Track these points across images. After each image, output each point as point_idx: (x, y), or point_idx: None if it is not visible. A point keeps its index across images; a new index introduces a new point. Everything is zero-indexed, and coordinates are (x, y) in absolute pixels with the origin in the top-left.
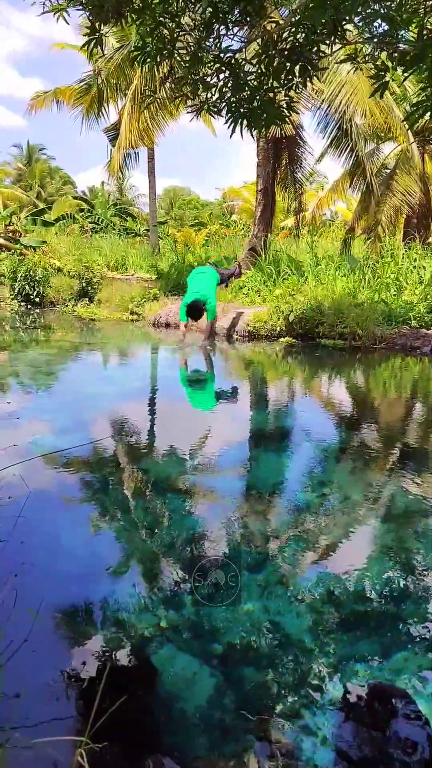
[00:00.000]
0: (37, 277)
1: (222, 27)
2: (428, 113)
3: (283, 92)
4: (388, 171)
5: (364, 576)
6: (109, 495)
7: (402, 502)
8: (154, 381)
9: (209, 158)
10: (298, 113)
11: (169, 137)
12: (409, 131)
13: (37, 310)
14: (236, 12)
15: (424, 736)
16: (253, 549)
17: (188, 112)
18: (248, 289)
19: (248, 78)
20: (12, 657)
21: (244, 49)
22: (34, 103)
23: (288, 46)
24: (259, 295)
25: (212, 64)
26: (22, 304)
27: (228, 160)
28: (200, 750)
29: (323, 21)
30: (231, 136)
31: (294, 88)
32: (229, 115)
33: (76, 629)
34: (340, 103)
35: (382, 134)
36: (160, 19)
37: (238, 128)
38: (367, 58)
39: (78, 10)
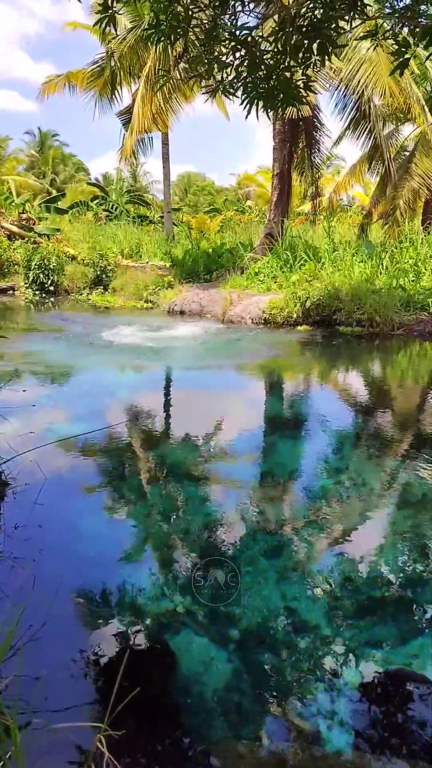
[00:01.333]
0: (51, 266)
1: (238, 3)
2: None
3: (300, 71)
4: (407, 154)
5: (380, 562)
6: (123, 480)
7: (419, 489)
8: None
9: (224, 144)
10: (316, 93)
11: (184, 122)
12: (427, 108)
13: (52, 299)
14: None
15: None
16: (270, 535)
17: (203, 93)
18: (264, 276)
19: (264, 56)
20: (31, 640)
21: (260, 27)
22: (46, 87)
23: (306, 23)
24: (275, 282)
25: (227, 42)
26: (37, 292)
27: (243, 146)
28: (218, 732)
29: None
30: (247, 118)
31: (312, 66)
32: (245, 95)
33: (93, 614)
34: (359, 82)
35: (402, 115)
36: None
37: (253, 109)
38: (387, 35)
39: None
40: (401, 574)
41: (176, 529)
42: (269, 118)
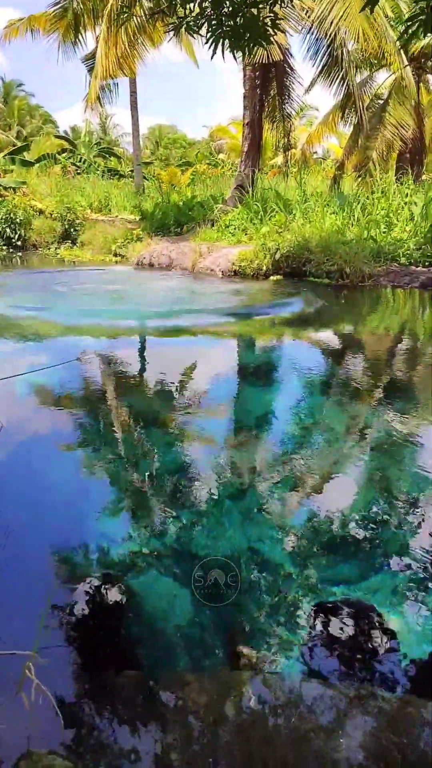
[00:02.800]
0: (18, 220)
1: None
2: (422, 30)
3: (267, 8)
4: (381, 102)
5: (345, 504)
6: (81, 419)
7: (382, 432)
8: None
9: (196, 96)
10: (284, 32)
11: (154, 74)
12: (402, 52)
13: (20, 254)
14: None
15: (391, 647)
16: (235, 474)
17: (167, 31)
18: (235, 228)
19: None
20: None
21: None
22: (8, 32)
23: None
24: (245, 234)
25: None
26: (4, 247)
27: (216, 98)
28: (180, 665)
29: None
30: (212, 58)
31: (279, 3)
32: (210, 33)
33: (51, 554)
34: (331, 24)
35: (375, 61)
36: None
37: (219, 50)
38: None
39: None
40: (363, 514)
41: (132, 460)
42: (235, 59)
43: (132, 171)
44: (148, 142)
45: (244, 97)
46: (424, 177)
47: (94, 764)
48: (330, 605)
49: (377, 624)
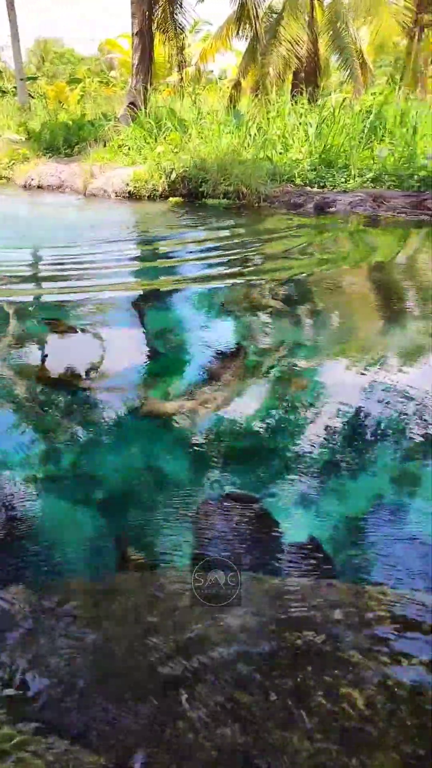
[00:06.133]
0: None
1: None
2: None
3: None
4: (276, 16)
5: (245, 418)
6: None
7: (276, 345)
8: None
9: (83, 11)
10: None
11: None
12: None
13: None
14: None
15: (274, 534)
16: (131, 389)
17: None
18: (128, 148)
19: None
20: None
21: None
22: None
23: None
24: (140, 154)
25: None
26: None
27: (104, 11)
28: (70, 575)
29: None
30: None
31: None
32: None
33: None
34: None
35: None
36: None
37: None
38: None
39: None
40: (263, 426)
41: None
42: None
43: (15, 87)
44: (33, 57)
45: (132, 2)
46: (319, 102)
47: None
48: (218, 500)
49: (261, 514)
